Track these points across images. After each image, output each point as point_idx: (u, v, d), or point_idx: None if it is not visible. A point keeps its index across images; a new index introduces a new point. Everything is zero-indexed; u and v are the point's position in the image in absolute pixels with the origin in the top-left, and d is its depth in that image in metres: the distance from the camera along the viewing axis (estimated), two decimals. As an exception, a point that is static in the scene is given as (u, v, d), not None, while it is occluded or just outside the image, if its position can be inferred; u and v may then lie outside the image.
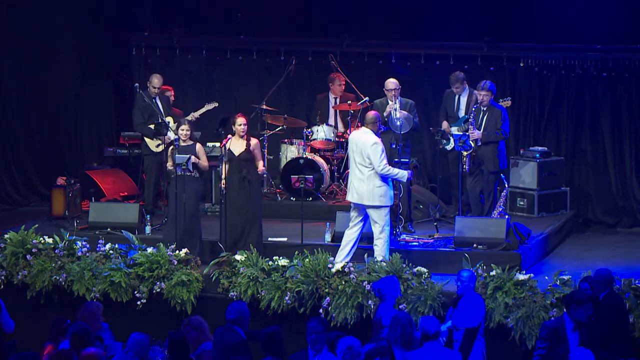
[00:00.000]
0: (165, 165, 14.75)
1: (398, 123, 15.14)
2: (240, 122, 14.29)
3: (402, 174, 13.89)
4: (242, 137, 14.31)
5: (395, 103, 15.44)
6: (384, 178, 13.75)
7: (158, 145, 16.04)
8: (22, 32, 17.89)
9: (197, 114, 16.48)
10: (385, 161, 13.73)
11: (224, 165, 14.29)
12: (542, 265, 14.69)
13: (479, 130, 15.24)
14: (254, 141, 14.36)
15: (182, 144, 14.43)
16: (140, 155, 16.68)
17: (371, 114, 14.06)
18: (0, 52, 17.86)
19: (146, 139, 16.18)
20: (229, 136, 14.43)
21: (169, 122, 15.93)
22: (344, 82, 17.04)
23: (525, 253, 14.39)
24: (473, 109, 15.45)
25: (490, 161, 15.30)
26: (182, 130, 14.45)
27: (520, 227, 14.69)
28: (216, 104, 16.83)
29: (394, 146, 15.11)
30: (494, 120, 15.28)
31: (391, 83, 15.57)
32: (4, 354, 11.64)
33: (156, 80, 16.21)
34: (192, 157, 14.27)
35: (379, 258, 13.65)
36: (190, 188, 14.36)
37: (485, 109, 15.34)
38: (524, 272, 13.47)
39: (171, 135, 15.49)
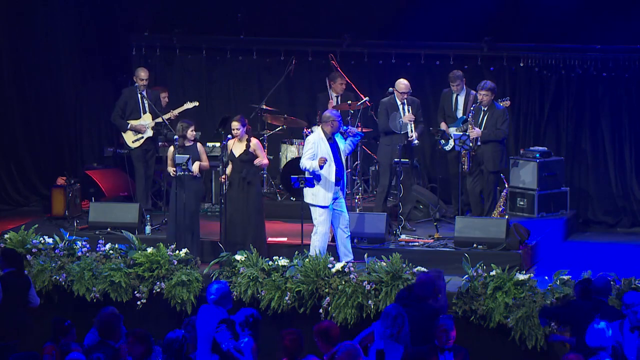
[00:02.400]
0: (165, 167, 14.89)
1: (399, 125, 15.17)
2: (234, 126, 14.38)
3: (312, 165, 13.93)
4: (240, 139, 14.38)
5: (405, 105, 15.45)
6: (317, 177, 13.92)
7: (134, 141, 16.14)
8: (22, 32, 17.88)
9: (175, 112, 16.45)
10: (305, 157, 13.98)
11: (223, 165, 14.33)
12: (542, 265, 14.69)
13: (479, 129, 15.27)
14: (253, 141, 14.43)
15: (187, 144, 14.48)
16: (123, 155, 16.73)
17: (326, 113, 14.24)
18: (0, 52, 17.85)
19: (124, 135, 16.25)
20: (229, 136, 14.45)
21: (147, 122, 16.17)
22: (344, 82, 17.03)
23: (525, 253, 14.40)
24: (472, 108, 15.47)
25: (490, 160, 15.31)
26: (193, 131, 14.51)
27: (520, 227, 14.70)
28: (196, 103, 16.79)
29: (399, 147, 15.15)
30: (494, 120, 15.31)
31: (405, 86, 15.49)
32: (4, 354, 11.66)
33: (142, 73, 16.27)
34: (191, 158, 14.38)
35: (311, 252, 13.83)
36: (191, 188, 14.41)
37: (485, 108, 15.36)
38: (524, 272, 13.48)
39: (149, 132, 16.06)
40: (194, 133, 14.58)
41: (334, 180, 13.99)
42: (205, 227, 14.99)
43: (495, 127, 15.27)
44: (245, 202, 14.35)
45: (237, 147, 14.40)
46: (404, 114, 15.39)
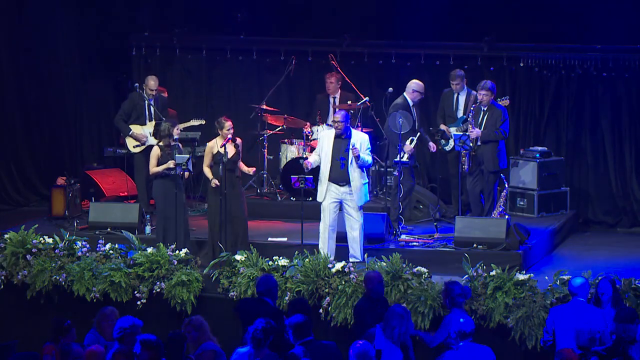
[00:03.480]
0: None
1: (399, 125, 15.17)
2: (228, 125, 14.47)
3: (312, 160, 14.20)
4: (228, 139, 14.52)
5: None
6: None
7: (135, 146, 16.14)
8: (22, 32, 17.88)
9: (181, 127, 16.39)
10: (314, 152, 14.35)
11: (224, 167, 14.37)
12: (542, 265, 14.70)
13: (479, 129, 15.27)
14: (238, 141, 14.61)
15: (172, 143, 14.59)
16: (123, 155, 16.75)
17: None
18: (0, 52, 17.84)
19: (126, 140, 16.23)
20: (229, 138, 14.47)
21: (150, 130, 16.13)
22: (333, 80, 17.02)
23: (525, 253, 14.40)
24: (472, 108, 15.47)
25: (490, 161, 15.32)
26: (178, 130, 14.72)
27: (520, 227, 14.70)
28: (203, 122, 16.85)
29: (400, 147, 15.16)
30: (493, 119, 15.31)
31: (421, 87, 15.60)
32: (4, 354, 11.66)
33: (152, 82, 16.23)
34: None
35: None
36: (180, 187, 14.47)
37: (485, 108, 15.37)
38: (524, 272, 13.48)
39: (150, 140, 15.87)
40: (179, 131, 14.74)
41: (327, 178, 13.99)
42: (205, 227, 15.01)
43: (494, 127, 15.28)
44: (238, 201, 14.45)
45: (228, 148, 14.45)
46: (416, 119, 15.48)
